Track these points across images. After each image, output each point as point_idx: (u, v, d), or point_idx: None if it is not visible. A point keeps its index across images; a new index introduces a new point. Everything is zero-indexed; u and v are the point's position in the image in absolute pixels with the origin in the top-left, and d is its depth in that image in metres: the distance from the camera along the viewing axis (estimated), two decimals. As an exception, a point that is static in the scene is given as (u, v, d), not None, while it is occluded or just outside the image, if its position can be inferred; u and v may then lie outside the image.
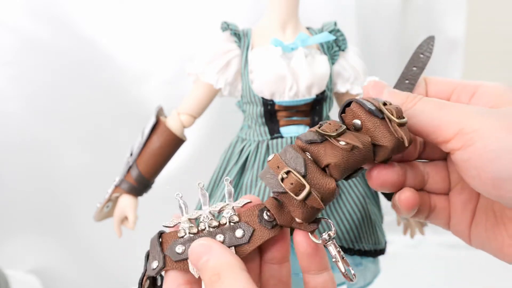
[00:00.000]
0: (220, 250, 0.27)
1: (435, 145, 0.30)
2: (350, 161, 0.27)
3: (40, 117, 0.65)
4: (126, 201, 0.44)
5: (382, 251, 0.43)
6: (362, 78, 0.43)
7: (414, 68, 0.34)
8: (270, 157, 0.28)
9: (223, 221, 0.29)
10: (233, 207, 0.30)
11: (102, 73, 0.66)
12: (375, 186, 0.30)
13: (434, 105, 0.29)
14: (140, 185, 0.44)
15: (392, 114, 0.28)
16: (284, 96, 0.40)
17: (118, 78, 0.67)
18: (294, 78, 0.40)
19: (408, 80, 0.34)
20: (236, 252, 0.28)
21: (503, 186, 0.26)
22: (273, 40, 0.40)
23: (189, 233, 0.29)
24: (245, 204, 0.30)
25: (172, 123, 0.43)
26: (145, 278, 0.29)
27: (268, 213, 0.29)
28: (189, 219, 0.29)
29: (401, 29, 0.76)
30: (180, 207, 0.30)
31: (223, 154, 0.44)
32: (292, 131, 0.42)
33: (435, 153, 0.34)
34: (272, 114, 0.41)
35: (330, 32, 0.42)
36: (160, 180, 0.46)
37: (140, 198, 0.45)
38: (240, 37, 0.42)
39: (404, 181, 0.32)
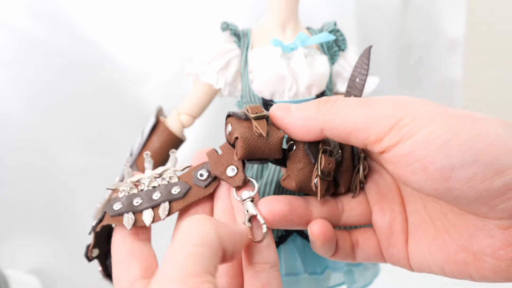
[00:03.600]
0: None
1: (362, 147, 0.27)
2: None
3: (40, 117, 0.65)
4: (126, 201, 0.44)
5: (382, 251, 0.43)
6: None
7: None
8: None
9: (162, 182, 0.31)
10: (174, 170, 0.32)
11: (102, 73, 0.66)
12: (268, 222, 0.29)
13: (355, 103, 0.27)
14: (140, 185, 0.44)
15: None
16: (284, 96, 0.40)
17: (118, 78, 0.67)
18: (294, 78, 0.40)
19: None
20: (170, 208, 0.30)
21: (453, 175, 0.23)
22: (273, 40, 0.40)
23: (129, 192, 0.31)
24: (185, 167, 0.32)
25: (172, 123, 0.43)
26: (91, 244, 0.31)
27: (202, 172, 0.31)
28: (131, 182, 0.32)
29: (401, 29, 0.76)
30: (124, 175, 0.32)
31: (223, 154, 0.44)
32: (292, 131, 0.42)
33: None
34: (272, 114, 0.41)
35: (330, 32, 0.42)
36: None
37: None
38: (240, 37, 0.42)
39: (308, 214, 0.30)
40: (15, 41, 0.63)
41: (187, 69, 0.43)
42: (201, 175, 0.31)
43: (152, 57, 0.68)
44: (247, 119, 0.29)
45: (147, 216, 0.29)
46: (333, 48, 0.43)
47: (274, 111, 0.30)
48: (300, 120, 0.28)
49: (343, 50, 0.43)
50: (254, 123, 0.29)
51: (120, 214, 0.30)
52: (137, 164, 0.43)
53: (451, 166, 0.23)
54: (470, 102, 0.86)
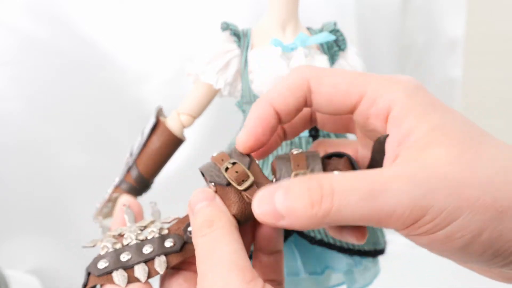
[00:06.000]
0: (221, 204, 0.26)
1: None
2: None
3: (40, 117, 0.65)
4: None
5: (381, 251, 0.43)
6: (362, 78, 0.43)
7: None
8: (215, 153, 0.28)
9: (151, 235, 0.29)
10: (161, 222, 0.29)
11: (102, 73, 0.66)
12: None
13: (359, 197, 0.21)
14: (139, 185, 0.44)
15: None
16: (284, 96, 0.40)
17: (118, 78, 0.67)
18: (294, 78, 0.40)
19: None
20: (167, 263, 0.27)
21: (470, 264, 0.24)
22: (273, 40, 0.40)
23: (113, 248, 0.28)
24: (173, 219, 0.30)
25: (172, 123, 0.43)
26: None
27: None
28: (113, 236, 0.29)
29: (401, 29, 0.76)
30: (102, 229, 0.30)
31: (223, 154, 0.44)
32: (292, 131, 0.41)
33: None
34: (272, 114, 0.41)
35: (330, 32, 0.42)
36: (160, 180, 0.46)
37: (139, 198, 0.45)
38: (240, 37, 0.42)
39: None
40: (15, 41, 0.63)
41: (187, 69, 0.43)
42: (191, 232, 0.28)
43: (152, 57, 0.68)
44: (228, 184, 0.27)
45: (140, 271, 0.27)
46: (333, 48, 0.43)
47: (260, 217, 0.23)
48: (299, 222, 0.23)
49: (343, 50, 0.43)
50: (245, 194, 0.26)
51: (108, 272, 0.27)
52: (137, 164, 0.43)
53: (469, 261, 0.23)
54: (470, 102, 0.86)
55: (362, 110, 0.26)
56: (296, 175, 0.26)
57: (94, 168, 0.68)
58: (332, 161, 0.28)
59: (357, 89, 0.26)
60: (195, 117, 0.44)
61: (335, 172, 0.24)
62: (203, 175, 0.29)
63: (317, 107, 0.27)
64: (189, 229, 0.28)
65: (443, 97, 0.81)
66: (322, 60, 0.41)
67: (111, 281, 0.27)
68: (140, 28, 0.66)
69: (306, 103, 0.27)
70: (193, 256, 0.28)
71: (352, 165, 0.27)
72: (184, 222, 0.29)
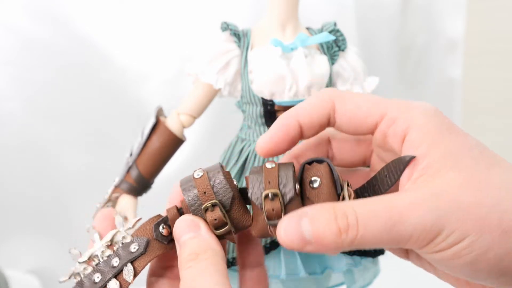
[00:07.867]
0: (207, 233, 0.27)
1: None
2: None
3: (40, 117, 0.65)
4: (125, 202, 0.44)
5: (381, 251, 0.43)
6: (362, 78, 0.43)
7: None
8: (199, 173, 0.27)
9: (115, 247, 0.28)
10: (125, 230, 0.29)
11: (101, 73, 0.66)
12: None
13: (381, 225, 0.23)
14: (139, 185, 0.44)
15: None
16: (283, 96, 0.40)
17: (118, 78, 0.67)
18: (293, 78, 0.40)
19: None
20: (135, 269, 0.27)
21: (474, 283, 0.26)
22: (273, 40, 0.40)
23: (84, 274, 0.28)
24: (136, 222, 0.29)
25: (172, 123, 0.43)
26: None
27: (165, 227, 0.28)
28: (83, 262, 0.29)
29: (401, 30, 0.76)
30: (73, 255, 0.30)
31: (223, 154, 0.44)
32: (292, 131, 0.41)
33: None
34: (271, 114, 0.41)
35: (330, 32, 0.42)
36: (160, 180, 0.46)
37: (139, 198, 0.45)
38: (239, 37, 0.42)
39: None
40: (15, 41, 0.63)
41: (187, 69, 0.43)
42: (163, 228, 0.28)
43: (152, 57, 0.68)
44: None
45: (113, 287, 0.27)
46: (333, 48, 0.43)
47: (287, 243, 0.25)
48: (325, 248, 0.25)
49: (343, 50, 0.43)
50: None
51: None
52: (137, 164, 0.43)
53: (477, 278, 0.25)
54: (470, 102, 0.86)
55: (381, 129, 0.28)
56: (266, 196, 0.26)
57: (94, 168, 0.68)
58: (312, 167, 0.28)
59: (378, 109, 0.28)
60: (195, 117, 0.44)
61: (352, 199, 0.27)
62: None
63: (339, 126, 0.29)
64: (161, 226, 0.28)
65: (443, 97, 0.81)
66: (322, 60, 0.41)
67: None
68: (140, 28, 0.66)
69: (329, 122, 0.29)
70: (169, 259, 0.29)
71: (331, 171, 0.28)
72: (149, 224, 0.28)
